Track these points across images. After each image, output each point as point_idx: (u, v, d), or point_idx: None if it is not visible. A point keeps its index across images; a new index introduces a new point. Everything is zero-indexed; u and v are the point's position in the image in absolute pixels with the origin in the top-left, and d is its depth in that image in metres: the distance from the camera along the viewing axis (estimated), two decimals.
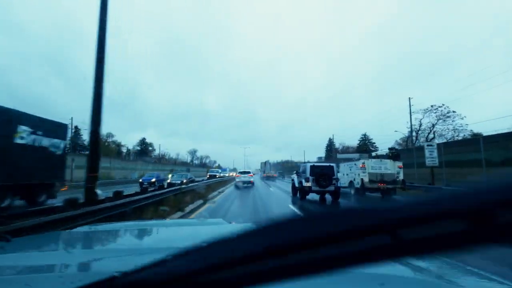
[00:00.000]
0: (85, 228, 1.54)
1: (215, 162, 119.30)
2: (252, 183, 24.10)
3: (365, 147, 57.68)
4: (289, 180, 36.72)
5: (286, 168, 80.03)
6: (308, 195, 13.43)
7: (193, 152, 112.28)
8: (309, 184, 12.62)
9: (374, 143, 60.42)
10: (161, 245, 1.15)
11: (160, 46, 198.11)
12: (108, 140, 65.43)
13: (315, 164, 13.92)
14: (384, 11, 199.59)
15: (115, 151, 63.26)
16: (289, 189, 20.57)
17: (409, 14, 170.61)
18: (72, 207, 4.52)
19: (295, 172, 15.99)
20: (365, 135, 63.03)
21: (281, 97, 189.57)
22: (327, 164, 14.01)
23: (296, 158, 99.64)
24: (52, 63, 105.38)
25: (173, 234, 1.44)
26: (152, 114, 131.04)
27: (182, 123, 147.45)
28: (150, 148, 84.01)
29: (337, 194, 12.72)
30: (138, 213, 6.71)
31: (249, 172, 25.78)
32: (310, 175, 12.67)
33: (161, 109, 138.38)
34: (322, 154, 72.12)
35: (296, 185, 14.55)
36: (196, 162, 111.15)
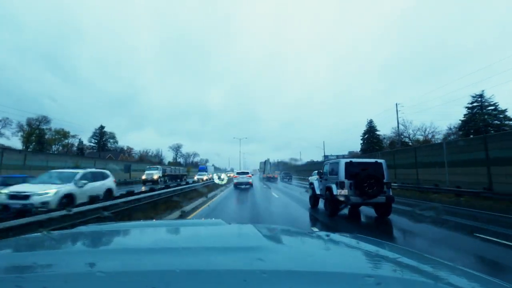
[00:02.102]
0: (83, 228, 1.55)
1: (206, 160, 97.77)
2: (250, 184, 23.73)
3: (480, 119, 32.65)
4: (297, 184, 33.77)
5: (286, 167, 75.62)
6: (342, 209, 8.66)
7: (176, 148, 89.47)
8: (345, 192, 8.11)
9: (504, 110, 32.33)
10: (161, 245, 1.15)
11: (159, 45, 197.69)
12: (39, 127, 48.79)
13: (353, 160, 8.81)
14: (384, 10, 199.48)
15: (34, 141, 47.94)
16: (298, 194, 16.78)
17: (409, 15, 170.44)
18: None
19: (316, 172, 11.09)
20: (481, 95, 34.25)
21: (281, 95, 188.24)
22: (372, 160, 8.86)
23: (299, 157, 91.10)
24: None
25: (172, 234, 1.46)
26: (149, 113, 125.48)
27: (178, 122, 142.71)
28: (112, 141, 63.00)
29: (389, 208, 8.30)
30: None
31: (247, 173, 25.00)
32: (345, 178, 8.22)
33: (158, 108, 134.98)
34: (338, 151, 55.12)
35: (318, 192, 10.15)
36: (180, 160, 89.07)
